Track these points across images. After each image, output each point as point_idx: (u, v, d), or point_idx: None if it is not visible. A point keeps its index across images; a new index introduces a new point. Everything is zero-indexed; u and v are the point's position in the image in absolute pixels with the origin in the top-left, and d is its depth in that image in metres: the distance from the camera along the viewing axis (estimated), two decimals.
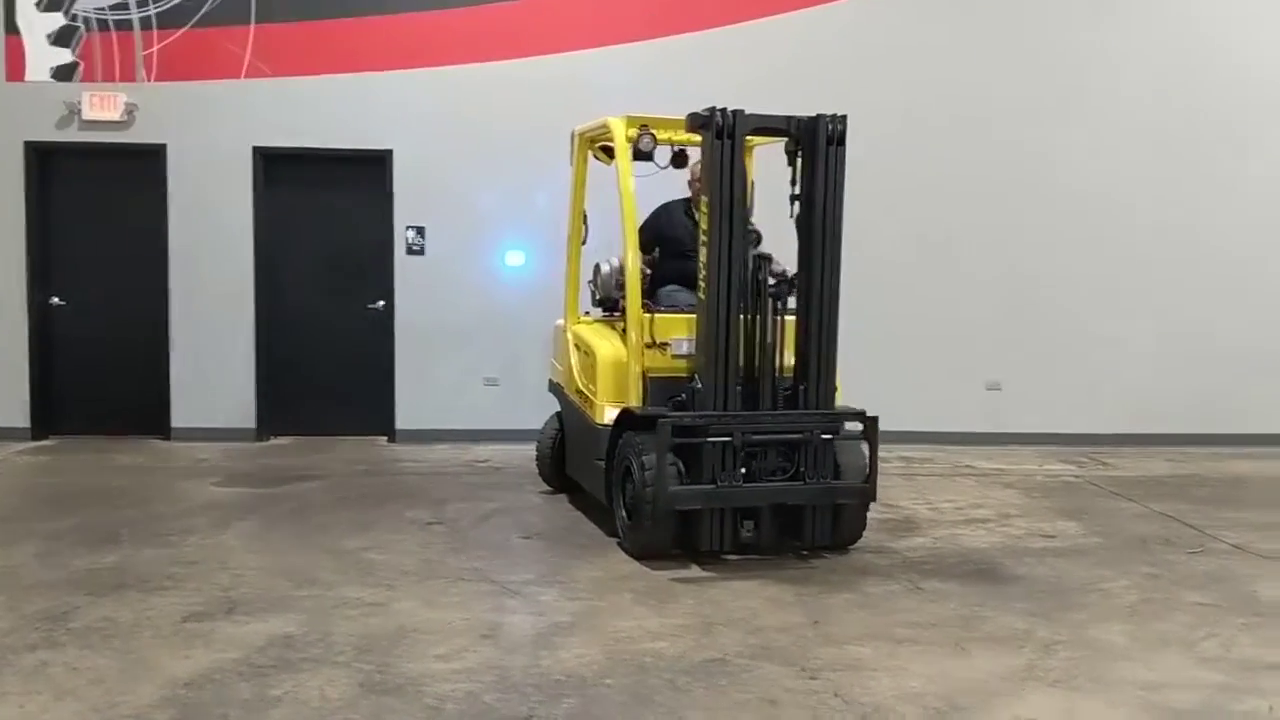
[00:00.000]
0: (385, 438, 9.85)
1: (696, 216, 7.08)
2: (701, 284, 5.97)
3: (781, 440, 6.02)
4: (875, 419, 6.07)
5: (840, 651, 4.82)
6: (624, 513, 6.34)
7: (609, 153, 7.39)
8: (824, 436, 6.03)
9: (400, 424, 9.81)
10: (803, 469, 6.02)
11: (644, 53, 9.66)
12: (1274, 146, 10.13)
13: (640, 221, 6.91)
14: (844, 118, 6.01)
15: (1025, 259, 9.99)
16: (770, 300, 6.07)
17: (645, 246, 7.13)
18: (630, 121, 6.68)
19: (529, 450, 9.06)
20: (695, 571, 5.98)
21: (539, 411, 9.43)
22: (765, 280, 6.06)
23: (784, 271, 6.35)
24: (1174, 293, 10.11)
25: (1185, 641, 5.04)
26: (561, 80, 9.55)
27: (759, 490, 5.99)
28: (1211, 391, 10.11)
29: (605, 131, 7.09)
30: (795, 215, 6.23)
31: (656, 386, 6.33)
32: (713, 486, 5.87)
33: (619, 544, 6.42)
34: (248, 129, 9.50)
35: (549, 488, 7.89)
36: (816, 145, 5.98)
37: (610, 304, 7.60)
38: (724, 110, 5.85)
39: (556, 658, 4.70)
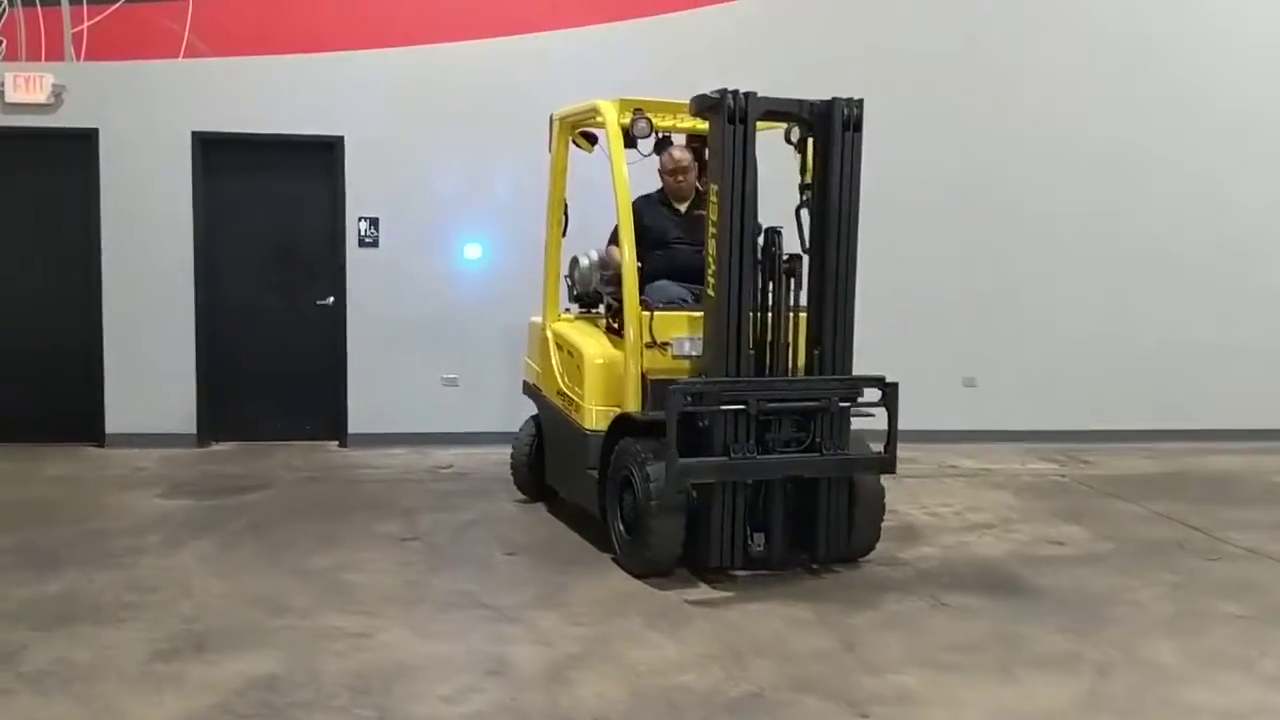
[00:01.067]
0: (336, 442, 9.27)
1: (677, 206, 6.71)
2: (710, 279, 5.53)
3: (797, 409, 5.57)
4: (895, 385, 5.66)
5: (883, 682, 4.42)
6: (621, 526, 5.89)
7: (590, 139, 6.93)
8: (841, 404, 5.61)
9: (352, 427, 9.23)
10: (818, 439, 5.60)
11: (609, 35, 9.17)
12: (1241, 151, 9.95)
13: (637, 214, 6.47)
14: (860, 102, 5.61)
15: (998, 255, 9.70)
16: (784, 278, 5.63)
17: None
18: (623, 105, 6.21)
19: (493, 454, 8.64)
20: (704, 590, 5.55)
21: (501, 413, 9.04)
22: (779, 255, 5.61)
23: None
24: (1145, 290, 9.90)
25: (1242, 661, 4.73)
26: (524, 64, 9.04)
27: (773, 463, 5.54)
28: (1180, 387, 9.95)
29: (589, 116, 6.63)
30: (803, 204, 5.83)
31: (657, 390, 5.87)
32: (726, 459, 5.43)
33: (614, 559, 5.97)
34: (186, 112, 8.82)
35: (524, 496, 7.40)
36: (831, 131, 5.56)
37: (589, 300, 7.16)
38: (735, 92, 5.40)
39: (575, 696, 4.25)
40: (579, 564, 5.98)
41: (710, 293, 5.55)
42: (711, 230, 5.51)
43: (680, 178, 6.67)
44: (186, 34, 8.71)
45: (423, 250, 9.20)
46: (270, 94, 8.90)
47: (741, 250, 5.48)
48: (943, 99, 9.46)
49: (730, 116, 5.40)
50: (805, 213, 5.81)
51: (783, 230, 5.67)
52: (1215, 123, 9.90)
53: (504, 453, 8.55)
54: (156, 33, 8.69)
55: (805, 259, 5.76)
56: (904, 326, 9.35)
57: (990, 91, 9.61)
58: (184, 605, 5.20)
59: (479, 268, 9.24)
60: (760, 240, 5.60)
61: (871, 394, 5.73)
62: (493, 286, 9.16)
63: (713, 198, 5.48)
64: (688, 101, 5.76)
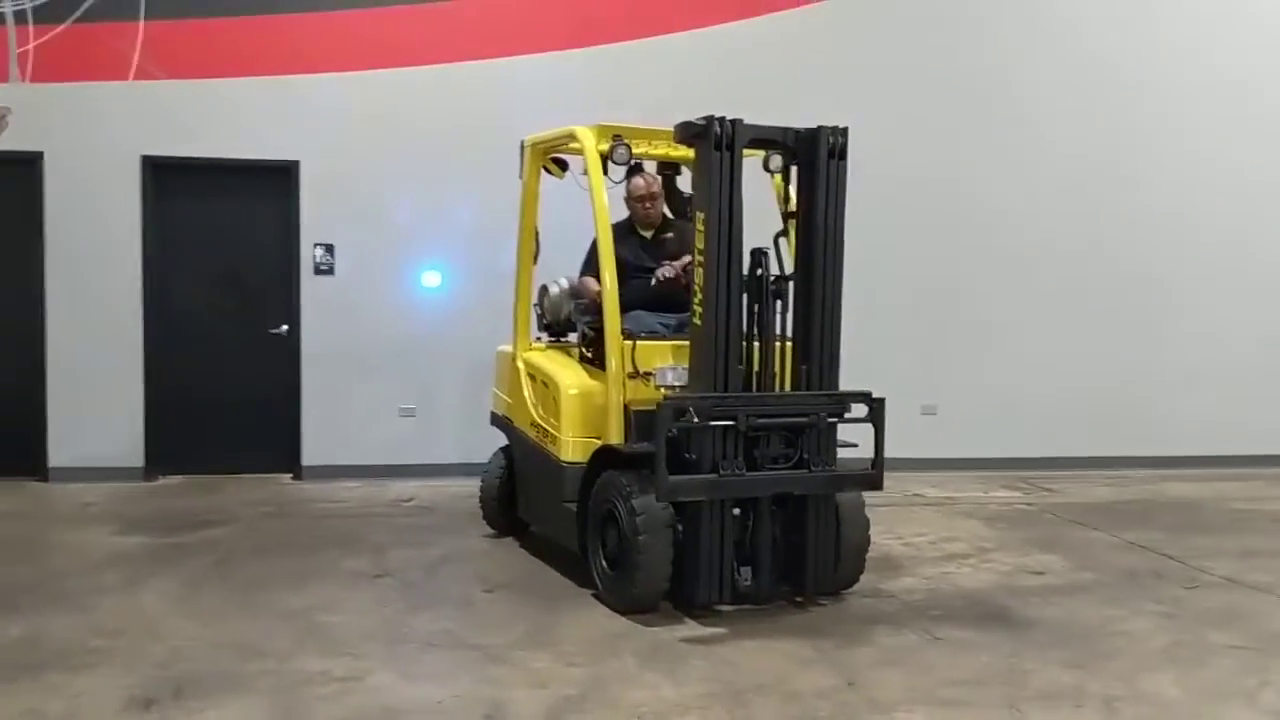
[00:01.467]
0: (289, 475, 9.01)
1: (644, 234, 6.62)
2: (697, 307, 5.42)
3: (785, 424, 5.48)
4: (882, 400, 5.60)
5: None
6: (604, 562, 5.74)
7: (561, 165, 6.82)
8: (829, 420, 5.53)
9: (306, 460, 8.98)
10: (805, 455, 5.51)
11: (569, 62, 9.08)
12: (1199, 185, 10.10)
13: (589, 243, 6.37)
14: (845, 130, 5.56)
15: (957, 284, 9.73)
16: (771, 300, 5.55)
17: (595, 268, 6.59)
18: (602, 131, 6.09)
19: (453, 487, 8.48)
20: (693, 627, 5.41)
21: (460, 445, 8.90)
22: (767, 276, 5.52)
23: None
24: (1104, 318, 10.00)
25: (1242, 692, 4.69)
26: (483, 89, 8.94)
27: (762, 480, 5.44)
28: (1138, 414, 10.05)
29: (563, 142, 6.51)
30: (784, 232, 5.76)
31: (640, 421, 5.74)
32: (714, 476, 5.31)
33: (595, 596, 5.81)
34: (136, 136, 8.59)
35: (493, 531, 7.21)
36: (816, 159, 5.50)
37: (559, 329, 7.03)
38: (722, 119, 5.32)
39: None
40: (560, 601, 5.81)
41: (697, 321, 5.44)
42: (698, 259, 5.40)
43: (649, 204, 6.58)
44: (137, 55, 8.47)
45: (380, 278, 9.01)
46: (223, 117, 8.68)
47: (729, 278, 5.38)
48: (902, 126, 9.46)
49: (717, 143, 5.31)
50: (783, 240, 5.76)
51: (768, 251, 5.60)
52: (1178, 154, 10.06)
53: (465, 485, 8.48)
54: (106, 54, 8.45)
55: (790, 283, 5.68)
56: (862, 355, 9.25)
57: (951, 120, 9.66)
58: (155, 649, 4.94)
59: (437, 296, 9.07)
60: (746, 261, 5.51)
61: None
62: (452, 315, 9.00)
63: (699, 225, 5.38)
64: (666, 128, 5.71)
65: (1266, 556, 7.02)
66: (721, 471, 5.31)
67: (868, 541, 5.94)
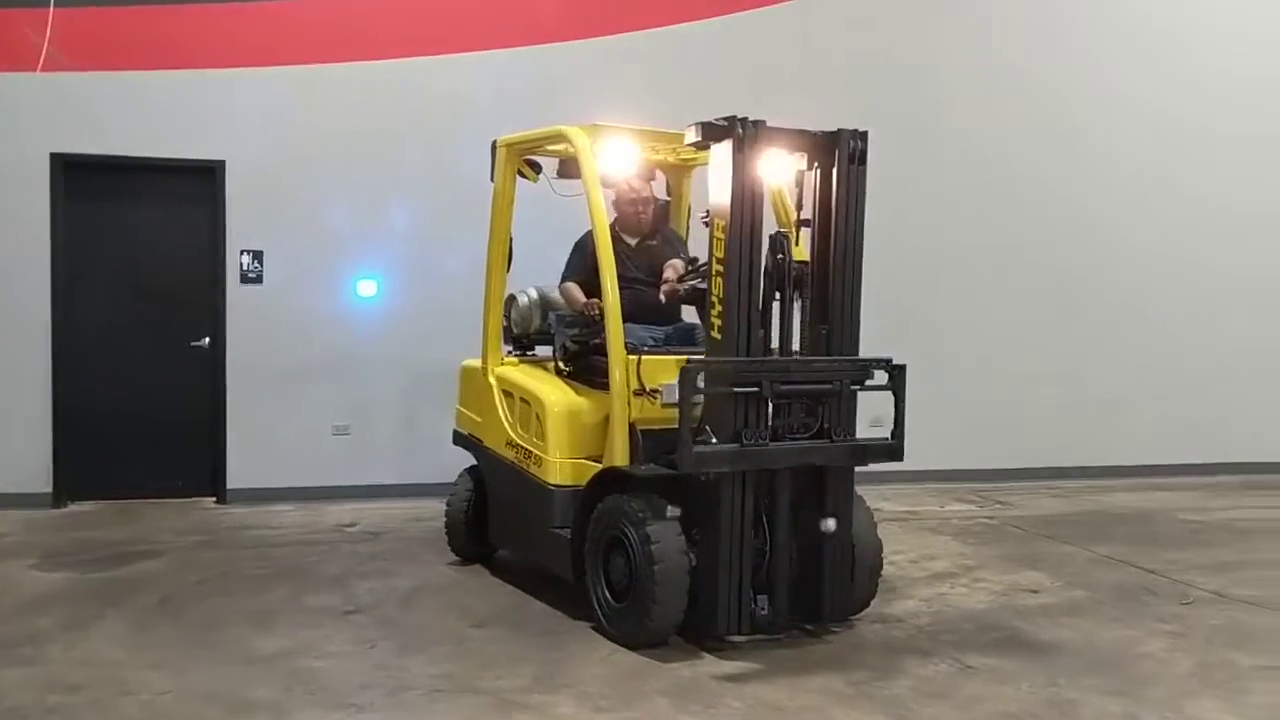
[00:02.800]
0: (213, 498, 8.37)
1: (628, 240, 6.28)
2: (716, 321, 5.08)
3: (809, 391, 5.22)
4: (903, 367, 5.38)
5: None
6: (607, 593, 5.35)
7: (535, 167, 6.42)
8: (852, 387, 5.30)
9: (232, 482, 8.34)
10: (827, 425, 5.25)
11: (509, 60, 8.64)
12: (1139, 203, 10.19)
13: (587, 248, 6.00)
14: (864, 134, 5.29)
15: (900, 298, 9.55)
16: (792, 289, 5.25)
17: (577, 277, 6.24)
18: (594, 131, 5.72)
19: (395, 509, 8.04)
20: (712, 661, 5.06)
21: (397, 464, 8.54)
22: (789, 264, 5.21)
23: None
24: (1045, 331, 10.00)
25: None
26: (420, 87, 8.47)
27: (786, 450, 5.16)
28: (1076, 427, 10.06)
29: (544, 143, 6.13)
30: (796, 235, 5.45)
31: (648, 442, 5.38)
32: (739, 446, 5.00)
33: (594, 628, 5.42)
34: (45, 132, 7.88)
35: (457, 558, 6.75)
36: (837, 163, 5.22)
37: (528, 342, 6.64)
38: (744, 120, 4.99)
39: None
40: (559, 635, 5.40)
41: (716, 335, 5.10)
42: (717, 268, 5.07)
43: (641, 209, 6.25)
44: (46, 44, 7.73)
45: (312, 286, 8.44)
46: (142, 113, 8.04)
47: (750, 287, 5.06)
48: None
49: (739, 145, 4.98)
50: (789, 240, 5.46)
51: (789, 235, 5.31)
52: (1121, 174, 10.13)
53: (406, 508, 8.10)
54: (12, 43, 7.72)
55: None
56: None
57: (900, 124, 9.49)
58: (128, 707, 4.40)
59: (374, 306, 8.54)
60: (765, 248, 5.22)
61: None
62: (389, 326, 8.51)
63: (718, 233, 5.05)
64: (658, 129, 5.40)
65: (1241, 569, 7.00)
66: (745, 442, 5.00)
67: (881, 564, 5.70)
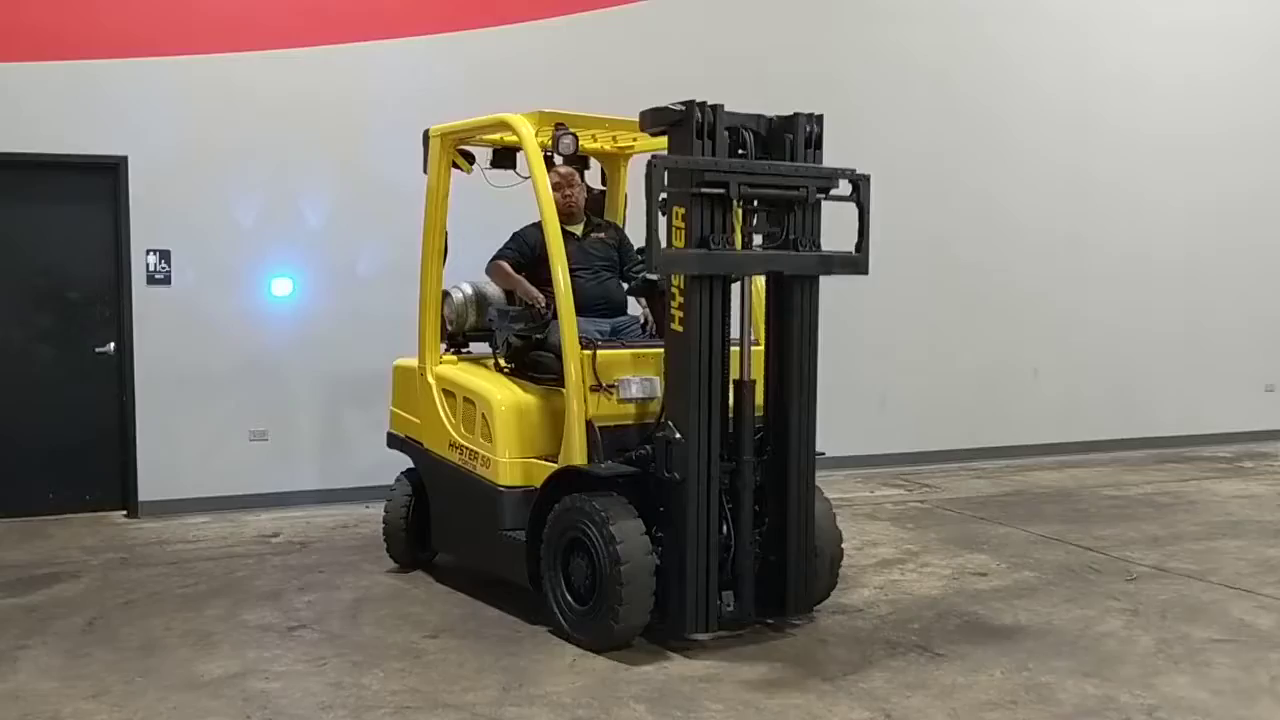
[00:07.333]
0: (123, 512, 7.96)
1: (571, 230, 6.09)
2: (676, 312, 4.95)
3: (775, 196, 5.09)
4: (867, 177, 5.24)
5: None
6: (568, 595, 5.19)
7: (469, 158, 6.21)
8: (818, 195, 5.15)
9: (143, 494, 7.93)
10: (793, 236, 5.12)
11: (433, 48, 8.37)
12: (1034, 179, 10.35)
13: (534, 239, 5.85)
14: (820, 117, 5.20)
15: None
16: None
17: (517, 269, 6.05)
18: (542, 119, 5.53)
19: (319, 517, 7.81)
20: (681, 661, 4.94)
21: (318, 470, 8.33)
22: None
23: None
24: (960, 316, 10.13)
25: (1263, 690, 4.63)
26: (334, 77, 8.15)
27: (752, 257, 5.09)
28: (989, 408, 10.21)
29: (481, 132, 5.93)
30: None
31: (606, 439, 5.23)
32: (705, 250, 4.86)
33: (553, 632, 5.26)
34: None
35: (396, 565, 6.51)
36: (794, 147, 5.12)
37: (461, 340, 6.42)
38: (703, 105, 4.87)
39: None
40: (519, 642, 5.22)
41: (677, 326, 4.96)
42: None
43: (567, 192, 6.05)
44: None
45: (223, 287, 8.05)
46: (36, 108, 7.56)
47: (712, 280, 4.93)
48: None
49: (699, 131, 4.85)
50: None
51: None
52: (1027, 164, 10.30)
53: (329, 514, 7.90)
54: None
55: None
56: None
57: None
58: None
59: (289, 305, 8.19)
60: None
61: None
62: (306, 326, 8.19)
63: (678, 222, 4.91)
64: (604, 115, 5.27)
65: (1173, 542, 7.15)
66: (712, 246, 4.87)
67: (841, 554, 5.64)
